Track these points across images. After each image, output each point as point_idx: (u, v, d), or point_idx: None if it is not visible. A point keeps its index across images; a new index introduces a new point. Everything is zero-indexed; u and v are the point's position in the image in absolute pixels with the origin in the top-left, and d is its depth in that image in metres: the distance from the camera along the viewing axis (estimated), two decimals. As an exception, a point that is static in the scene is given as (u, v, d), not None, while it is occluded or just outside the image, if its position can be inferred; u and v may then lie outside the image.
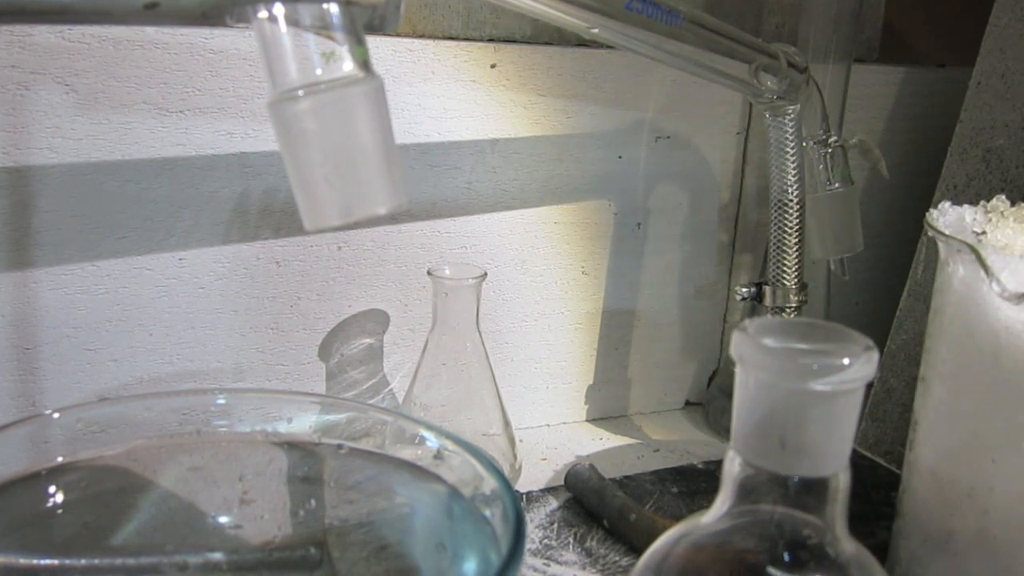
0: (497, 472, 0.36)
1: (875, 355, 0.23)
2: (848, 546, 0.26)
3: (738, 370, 0.25)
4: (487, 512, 0.36)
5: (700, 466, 0.65)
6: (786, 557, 0.25)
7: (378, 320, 0.63)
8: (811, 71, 0.61)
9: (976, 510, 0.45)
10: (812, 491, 0.25)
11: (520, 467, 0.60)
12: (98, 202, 0.53)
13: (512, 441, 0.59)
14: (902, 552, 0.49)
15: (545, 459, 0.65)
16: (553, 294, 0.68)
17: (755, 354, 0.24)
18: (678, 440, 0.71)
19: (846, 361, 0.23)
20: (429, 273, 0.56)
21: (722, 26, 0.53)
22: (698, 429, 0.73)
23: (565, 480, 0.58)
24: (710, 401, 0.75)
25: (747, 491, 0.25)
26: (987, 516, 0.45)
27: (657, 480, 0.62)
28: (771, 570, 0.25)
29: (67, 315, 0.54)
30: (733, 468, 0.25)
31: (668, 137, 0.69)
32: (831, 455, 0.24)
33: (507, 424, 0.59)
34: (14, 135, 0.51)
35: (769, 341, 0.24)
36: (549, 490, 0.59)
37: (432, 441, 0.40)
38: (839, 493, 0.25)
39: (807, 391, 0.23)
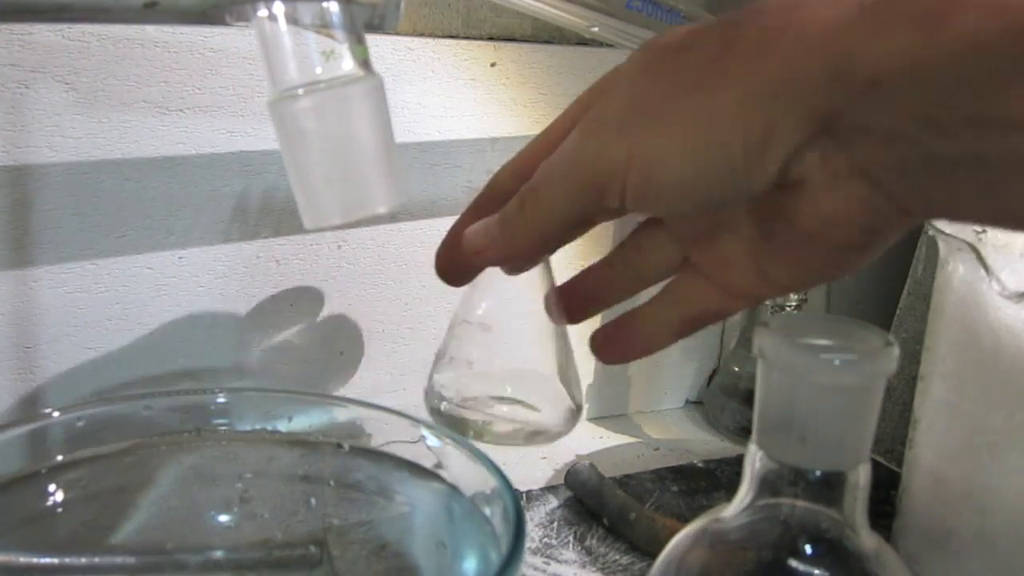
0: (497, 471, 0.36)
1: (895, 350, 0.24)
2: (869, 540, 0.26)
3: (760, 365, 0.25)
4: (487, 511, 0.36)
5: (700, 465, 0.65)
6: (807, 551, 0.25)
7: (378, 319, 0.63)
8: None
9: (976, 509, 0.45)
10: (832, 485, 0.25)
11: (580, 408, 0.56)
12: (98, 200, 0.53)
13: (570, 382, 0.55)
14: (901, 551, 0.49)
15: (545, 458, 0.65)
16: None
17: (777, 349, 0.24)
18: (678, 439, 0.71)
19: (866, 356, 0.23)
20: None
21: (722, 25, 0.53)
22: (698, 428, 0.73)
23: (565, 479, 0.58)
24: (710, 400, 0.75)
25: (768, 485, 0.26)
26: (987, 515, 0.45)
27: (657, 479, 0.62)
28: (792, 564, 0.25)
29: (67, 314, 0.54)
30: (754, 463, 0.26)
31: (668, 136, 0.69)
32: (851, 449, 0.25)
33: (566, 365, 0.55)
34: (14, 133, 0.51)
35: (790, 336, 0.24)
36: (549, 489, 0.59)
37: (432, 440, 0.40)
38: (859, 487, 0.25)
39: (827, 386, 0.24)
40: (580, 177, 0.28)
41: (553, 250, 0.32)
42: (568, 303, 0.36)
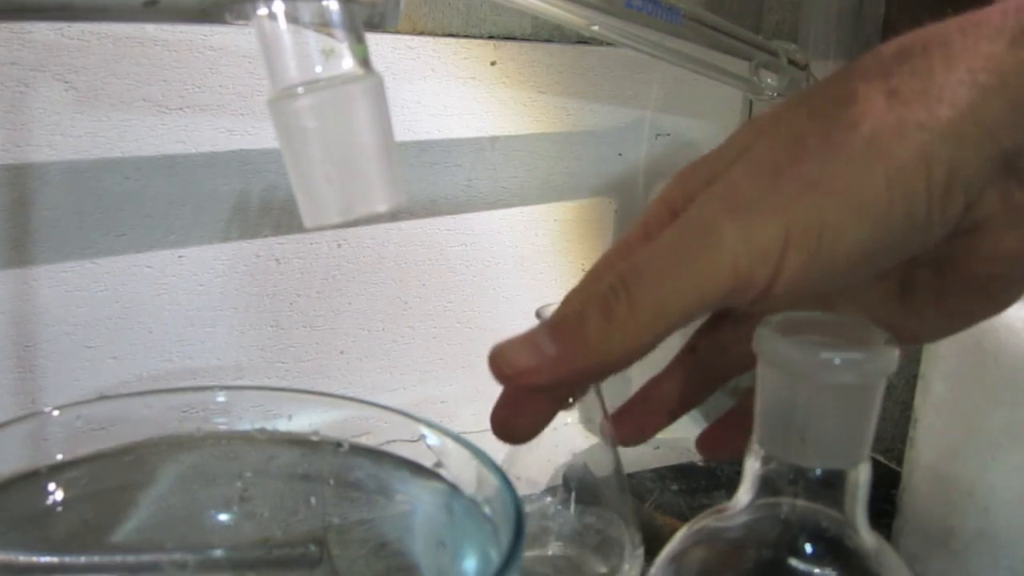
0: (497, 470, 0.36)
1: (895, 349, 0.23)
2: (869, 539, 0.26)
3: (760, 364, 0.25)
4: (487, 509, 0.36)
5: (700, 464, 0.65)
6: (807, 550, 0.26)
7: (378, 318, 0.63)
8: (812, 68, 0.61)
9: (977, 508, 0.45)
10: (833, 484, 0.25)
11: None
12: (98, 199, 0.53)
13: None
14: (902, 550, 0.49)
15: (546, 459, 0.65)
16: (553, 292, 0.68)
17: (777, 348, 0.24)
18: (678, 438, 0.71)
19: (867, 354, 0.23)
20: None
21: (722, 23, 0.53)
22: (698, 427, 0.73)
23: (564, 477, 0.58)
24: (710, 399, 0.75)
25: (768, 484, 0.26)
26: (988, 514, 0.45)
27: (657, 478, 0.62)
28: (792, 563, 0.25)
29: (67, 312, 0.54)
30: (755, 461, 0.26)
31: (668, 135, 0.69)
32: (851, 448, 0.25)
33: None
34: (14, 132, 0.51)
35: (791, 335, 0.24)
36: (549, 488, 0.59)
37: (432, 438, 0.40)
38: (859, 486, 0.25)
39: (828, 384, 0.24)
40: (709, 268, 0.24)
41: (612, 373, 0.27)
42: (635, 421, 0.34)
